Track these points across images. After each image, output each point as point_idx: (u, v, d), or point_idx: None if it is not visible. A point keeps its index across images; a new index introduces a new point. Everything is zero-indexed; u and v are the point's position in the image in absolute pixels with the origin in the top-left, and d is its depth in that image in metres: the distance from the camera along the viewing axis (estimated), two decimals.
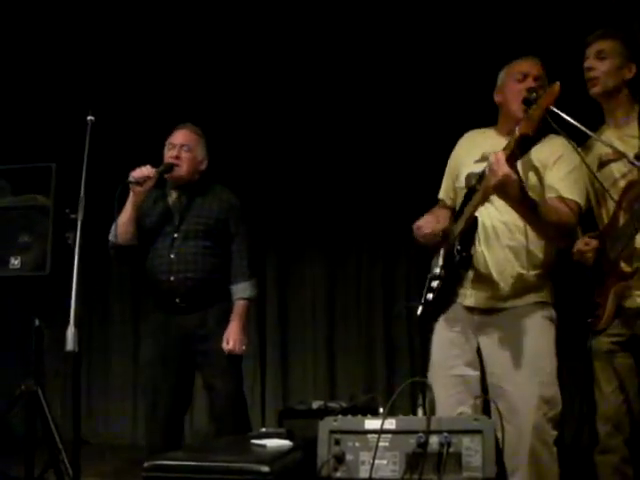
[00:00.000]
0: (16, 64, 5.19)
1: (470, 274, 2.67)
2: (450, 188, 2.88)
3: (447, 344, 2.74)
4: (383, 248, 5.46)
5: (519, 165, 2.54)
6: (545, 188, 2.63)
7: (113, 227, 3.29)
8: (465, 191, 2.66)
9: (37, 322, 3.24)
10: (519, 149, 2.38)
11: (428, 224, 2.69)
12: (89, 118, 3.00)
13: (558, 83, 2.32)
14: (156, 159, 3.42)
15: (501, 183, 2.32)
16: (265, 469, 2.06)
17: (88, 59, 5.24)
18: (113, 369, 5.93)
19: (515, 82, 2.68)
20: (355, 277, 5.57)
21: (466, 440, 2.06)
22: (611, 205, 2.72)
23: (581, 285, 2.79)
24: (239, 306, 3.39)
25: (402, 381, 2.59)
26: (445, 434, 2.06)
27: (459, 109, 4.55)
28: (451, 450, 2.05)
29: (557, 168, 2.62)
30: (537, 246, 2.63)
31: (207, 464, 2.15)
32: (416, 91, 5.08)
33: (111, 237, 3.32)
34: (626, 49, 2.76)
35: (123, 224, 3.33)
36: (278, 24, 5.06)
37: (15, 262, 3.21)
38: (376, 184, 5.33)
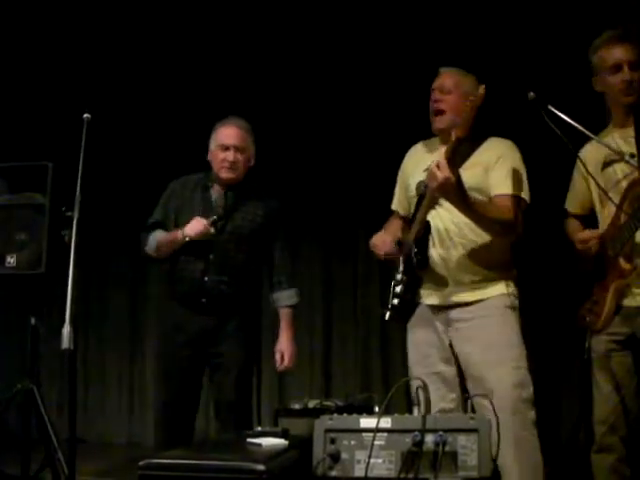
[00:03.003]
0: (13, 63, 5.18)
1: (429, 275, 2.80)
2: (403, 198, 3.03)
3: (421, 344, 2.86)
4: None
5: (464, 171, 2.69)
6: (490, 188, 2.76)
7: (152, 241, 3.25)
8: (416, 199, 2.84)
9: (33, 321, 3.23)
10: (458, 151, 2.60)
11: (383, 244, 2.86)
12: (85, 116, 2.98)
13: (483, 86, 2.59)
14: (153, 157, 3.40)
15: (442, 185, 2.51)
16: (260, 468, 2.05)
17: (85, 57, 5.24)
18: (109, 367, 5.91)
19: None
20: (352, 276, 5.56)
21: (462, 439, 2.06)
22: (613, 206, 2.72)
23: (579, 285, 2.80)
24: (287, 315, 3.32)
25: (398, 380, 2.61)
26: (441, 433, 2.06)
27: None
28: (447, 449, 2.05)
29: (498, 168, 2.77)
30: (490, 242, 2.74)
31: (203, 463, 2.15)
32: (415, 90, 5.05)
33: (148, 250, 3.28)
34: None
35: (166, 248, 3.24)
36: (277, 19, 5.06)
37: (11, 260, 3.20)
38: (375, 183, 5.30)
